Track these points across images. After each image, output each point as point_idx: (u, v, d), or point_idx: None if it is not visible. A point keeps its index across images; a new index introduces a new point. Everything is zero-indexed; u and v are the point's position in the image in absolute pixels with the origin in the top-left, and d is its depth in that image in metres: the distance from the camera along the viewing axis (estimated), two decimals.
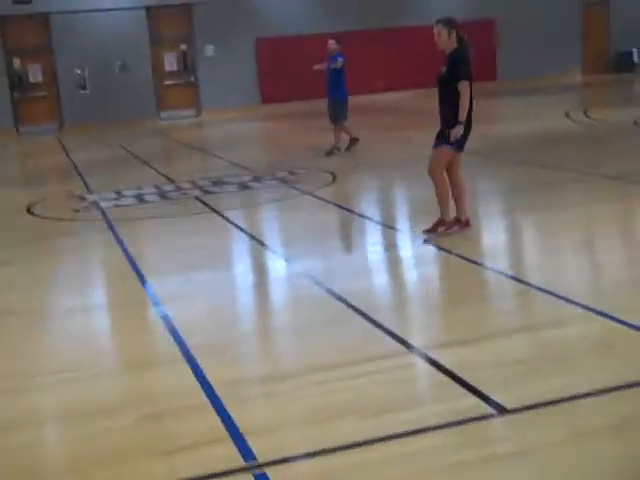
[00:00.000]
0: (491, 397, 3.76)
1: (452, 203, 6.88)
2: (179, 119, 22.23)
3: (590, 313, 4.78)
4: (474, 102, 6.62)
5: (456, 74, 6.49)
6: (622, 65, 24.42)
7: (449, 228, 6.83)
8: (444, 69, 6.62)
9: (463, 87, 6.45)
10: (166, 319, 5.28)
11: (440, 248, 6.56)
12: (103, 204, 9.68)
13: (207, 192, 10.01)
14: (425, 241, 6.75)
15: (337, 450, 3.44)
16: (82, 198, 10.35)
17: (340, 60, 12.03)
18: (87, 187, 11.28)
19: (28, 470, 3.56)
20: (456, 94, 6.48)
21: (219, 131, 18.59)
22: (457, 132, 6.49)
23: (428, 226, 6.84)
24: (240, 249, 7.44)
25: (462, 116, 6.48)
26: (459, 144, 6.65)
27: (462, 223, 6.89)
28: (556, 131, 13.37)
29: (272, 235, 7.57)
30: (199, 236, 7.82)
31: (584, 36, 24.59)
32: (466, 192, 6.95)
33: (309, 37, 23.17)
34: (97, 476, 3.44)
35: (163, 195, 10.12)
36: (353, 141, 12.47)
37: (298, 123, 18.76)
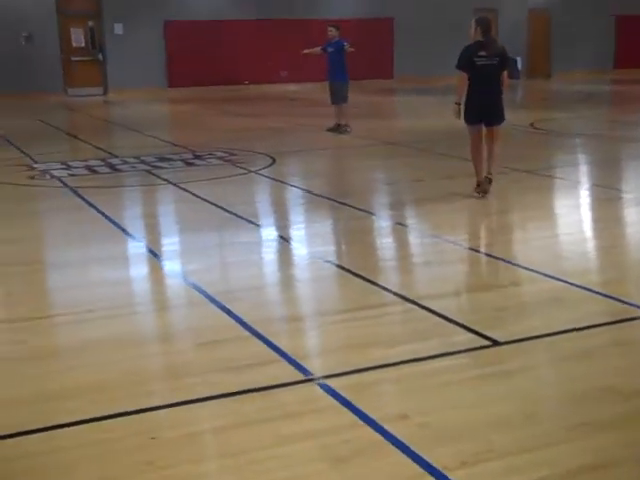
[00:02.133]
0: (484, 333, 4.70)
1: None
2: (86, 96, 22.28)
3: (539, 276, 5.82)
4: (479, 90, 8.02)
5: None
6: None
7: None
8: None
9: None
10: (173, 270, 5.96)
11: (399, 223, 7.52)
12: (56, 173, 10.07)
13: (155, 167, 10.55)
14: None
15: (375, 368, 4.28)
16: (30, 167, 10.66)
17: (347, 45, 13.38)
18: (29, 157, 11.54)
19: (99, 384, 4.14)
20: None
21: (134, 110, 18.89)
22: (452, 109, 8.25)
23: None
24: (212, 217, 7.76)
25: (457, 98, 8.17)
26: (467, 120, 8.29)
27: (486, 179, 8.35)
28: (461, 128, 14.52)
29: (239, 207, 7.98)
30: (167, 204, 8.40)
31: None
32: (493, 158, 8.41)
33: (216, 23, 23.77)
34: (172, 386, 4.11)
35: (113, 167, 10.59)
36: (337, 126, 13.73)
37: (210, 107, 19.29)
